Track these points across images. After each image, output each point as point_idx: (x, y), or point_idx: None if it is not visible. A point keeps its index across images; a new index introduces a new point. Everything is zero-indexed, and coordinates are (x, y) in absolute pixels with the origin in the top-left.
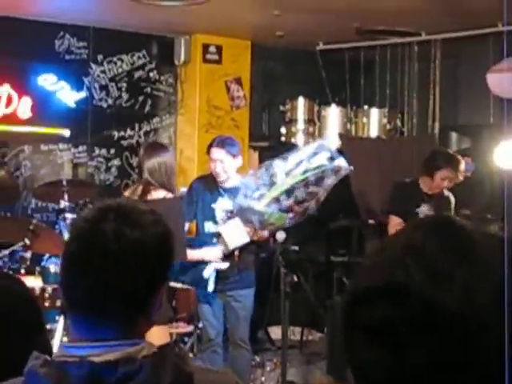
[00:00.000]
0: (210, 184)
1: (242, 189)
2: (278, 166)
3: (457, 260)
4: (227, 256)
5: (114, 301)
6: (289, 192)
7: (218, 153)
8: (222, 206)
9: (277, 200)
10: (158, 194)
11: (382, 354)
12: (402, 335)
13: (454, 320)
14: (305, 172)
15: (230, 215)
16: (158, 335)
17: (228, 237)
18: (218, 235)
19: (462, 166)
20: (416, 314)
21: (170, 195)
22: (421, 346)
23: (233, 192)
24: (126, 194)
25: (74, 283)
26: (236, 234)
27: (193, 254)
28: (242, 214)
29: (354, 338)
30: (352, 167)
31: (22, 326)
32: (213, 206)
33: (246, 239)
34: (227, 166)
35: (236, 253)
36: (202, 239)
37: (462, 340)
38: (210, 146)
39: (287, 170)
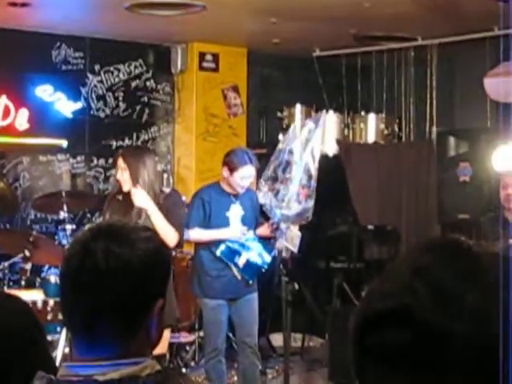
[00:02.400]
0: (219, 192)
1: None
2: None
3: (465, 284)
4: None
5: (109, 319)
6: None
7: (252, 170)
8: (235, 213)
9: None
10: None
11: (394, 378)
12: (412, 359)
13: (463, 344)
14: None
15: (276, 225)
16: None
17: (291, 243)
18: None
19: None
20: (425, 337)
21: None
22: (432, 370)
23: (243, 198)
24: None
25: (70, 304)
26: (295, 238)
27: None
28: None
29: (365, 363)
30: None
31: (21, 343)
32: (227, 214)
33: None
34: (253, 178)
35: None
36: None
37: (472, 364)
38: (240, 162)
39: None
